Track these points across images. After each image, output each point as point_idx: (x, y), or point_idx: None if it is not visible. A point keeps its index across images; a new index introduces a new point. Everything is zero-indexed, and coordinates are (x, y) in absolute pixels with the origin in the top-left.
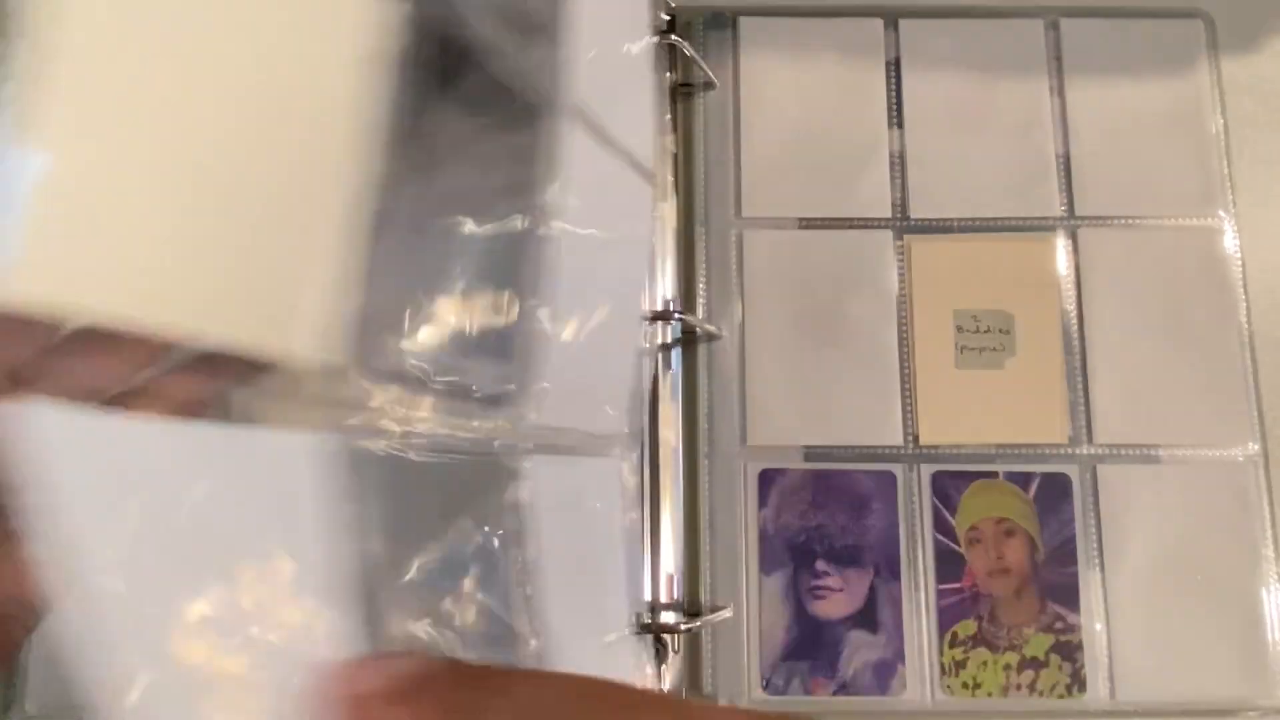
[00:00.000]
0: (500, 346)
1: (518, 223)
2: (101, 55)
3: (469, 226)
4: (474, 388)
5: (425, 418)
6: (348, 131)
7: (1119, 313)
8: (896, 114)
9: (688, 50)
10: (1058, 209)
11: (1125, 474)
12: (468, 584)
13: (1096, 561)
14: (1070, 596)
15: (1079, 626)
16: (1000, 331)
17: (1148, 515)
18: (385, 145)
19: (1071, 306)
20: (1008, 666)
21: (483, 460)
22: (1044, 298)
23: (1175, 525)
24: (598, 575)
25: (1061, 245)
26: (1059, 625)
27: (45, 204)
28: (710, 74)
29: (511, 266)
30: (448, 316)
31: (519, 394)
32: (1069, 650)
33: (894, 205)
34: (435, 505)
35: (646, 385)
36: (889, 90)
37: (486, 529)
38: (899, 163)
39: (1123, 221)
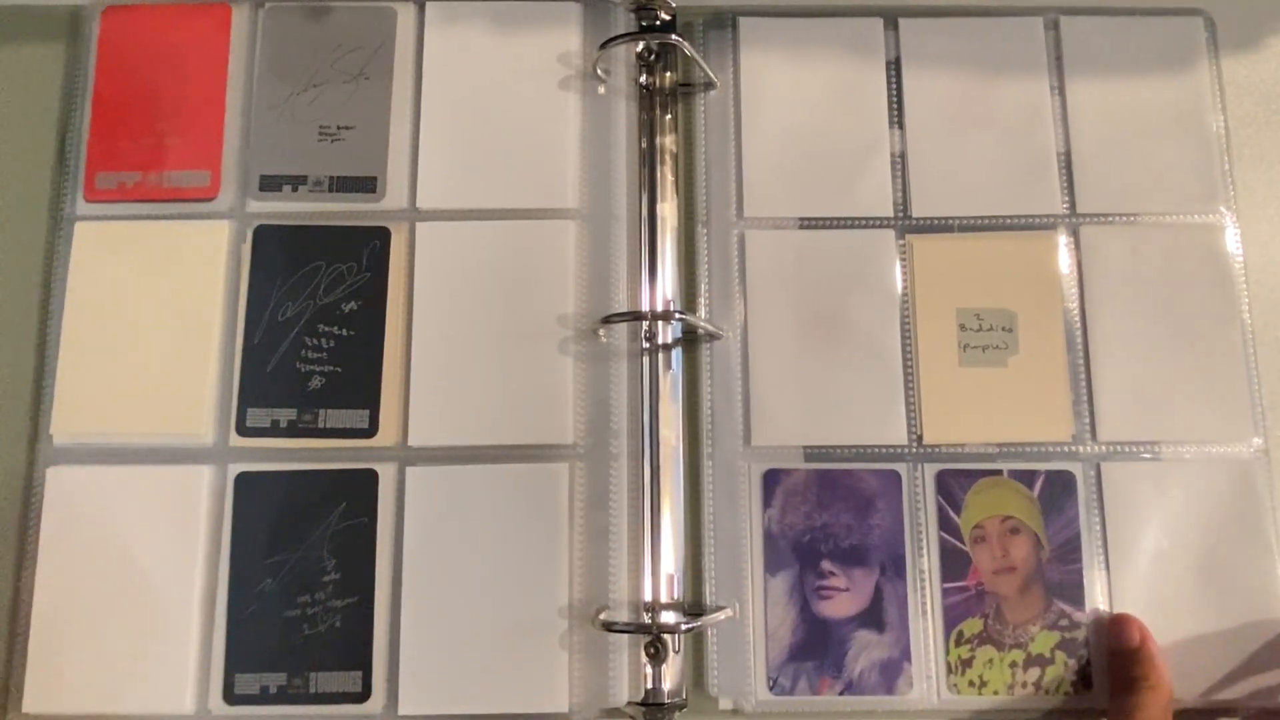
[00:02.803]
0: None
1: None
2: None
3: None
4: None
5: None
6: None
7: (1121, 310)
8: (897, 113)
9: (688, 50)
10: (1059, 207)
11: (1129, 471)
12: None
13: (1101, 559)
14: (1075, 594)
15: (1084, 623)
16: (1003, 330)
17: (1152, 512)
18: None
19: (1074, 304)
20: (1013, 664)
21: None
22: (1046, 296)
23: (1179, 522)
24: None
25: (1063, 243)
26: (1064, 622)
27: None
28: (710, 74)
29: None
30: None
31: None
32: (1074, 647)
33: (895, 204)
34: None
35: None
36: (889, 90)
37: None
38: (900, 162)
39: (1124, 219)
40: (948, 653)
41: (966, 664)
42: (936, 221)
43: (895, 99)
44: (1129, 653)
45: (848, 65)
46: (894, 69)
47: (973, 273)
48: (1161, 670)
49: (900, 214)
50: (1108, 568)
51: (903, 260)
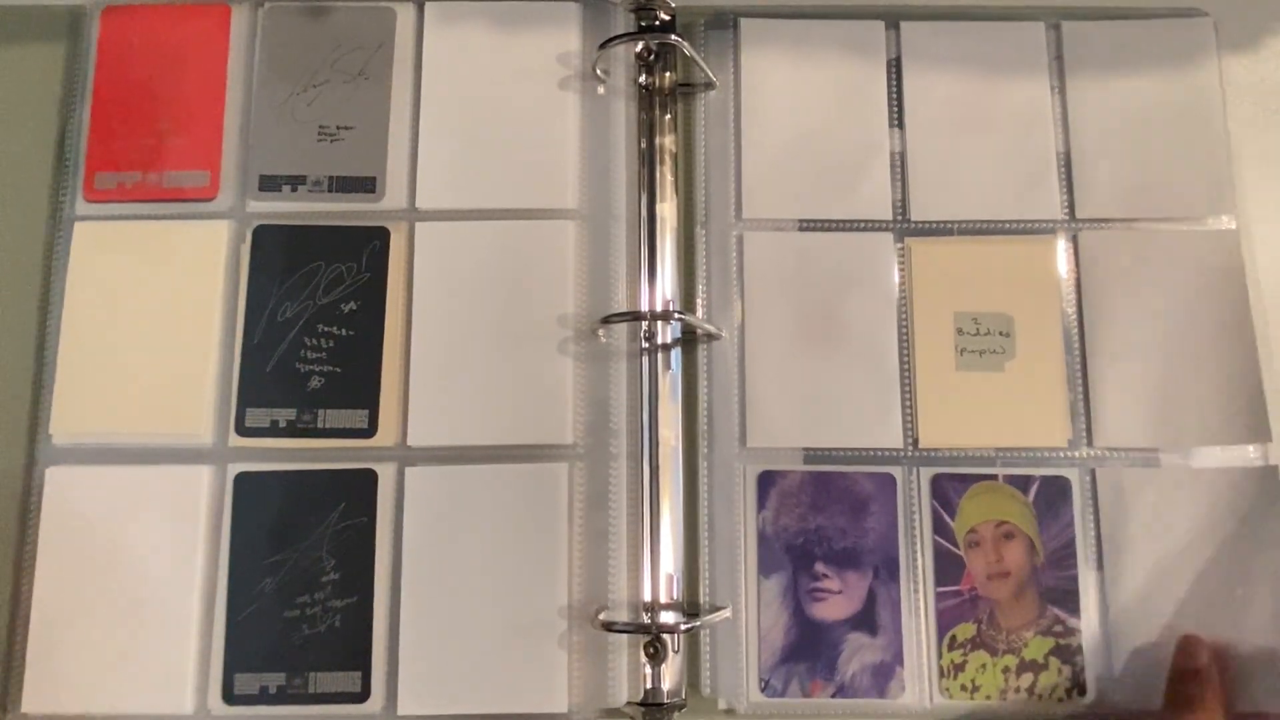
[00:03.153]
0: None
1: None
2: None
3: None
4: None
5: None
6: None
7: (1119, 315)
8: (897, 116)
9: (688, 50)
10: (1059, 212)
11: (1125, 477)
12: None
13: (1095, 564)
14: (1069, 600)
15: (1078, 630)
16: (1000, 334)
17: (1148, 519)
18: None
19: (1072, 309)
20: (1006, 669)
21: None
22: (1044, 300)
23: (1175, 528)
24: None
25: (1062, 248)
26: (1058, 628)
27: None
28: (711, 74)
29: None
30: None
31: None
32: (1068, 653)
33: (894, 207)
34: None
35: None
36: (890, 92)
37: None
38: (900, 164)
39: (1124, 224)
40: (940, 657)
41: (959, 668)
42: (935, 225)
43: (896, 101)
44: (1188, 672)
45: (849, 67)
46: (895, 71)
47: (971, 276)
48: (1214, 693)
49: (899, 217)
50: (1102, 573)
51: (901, 263)
